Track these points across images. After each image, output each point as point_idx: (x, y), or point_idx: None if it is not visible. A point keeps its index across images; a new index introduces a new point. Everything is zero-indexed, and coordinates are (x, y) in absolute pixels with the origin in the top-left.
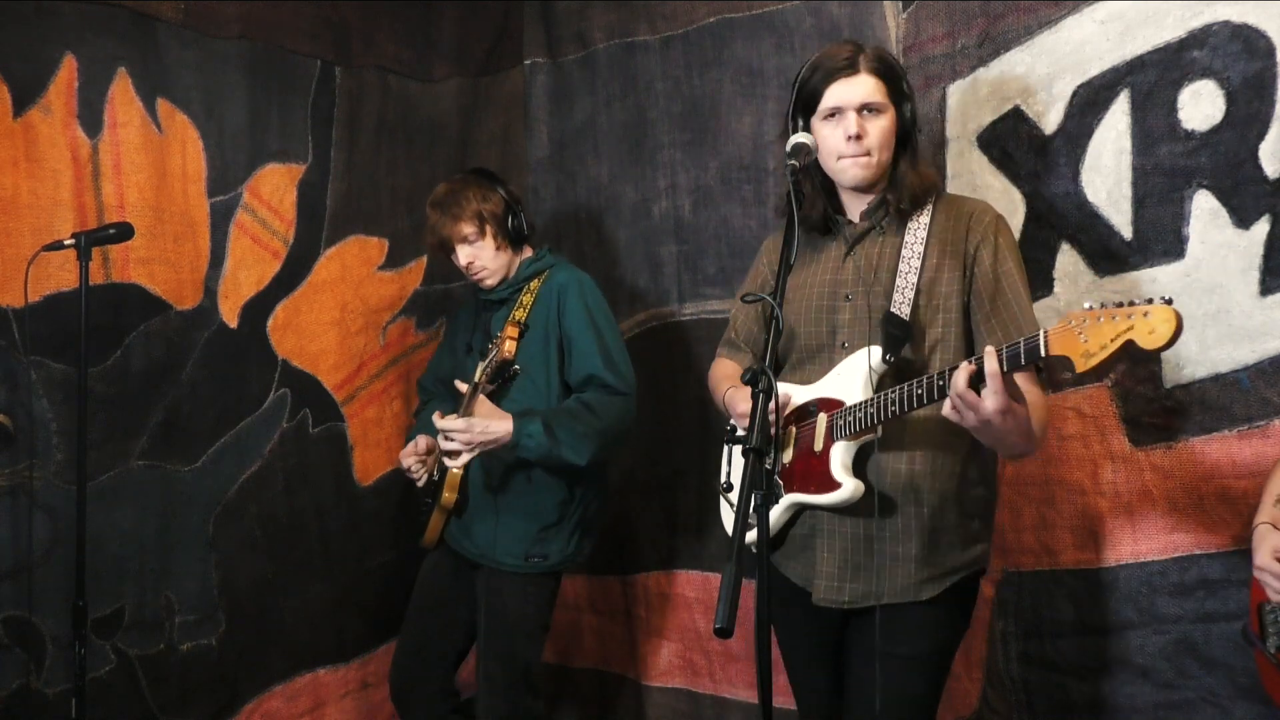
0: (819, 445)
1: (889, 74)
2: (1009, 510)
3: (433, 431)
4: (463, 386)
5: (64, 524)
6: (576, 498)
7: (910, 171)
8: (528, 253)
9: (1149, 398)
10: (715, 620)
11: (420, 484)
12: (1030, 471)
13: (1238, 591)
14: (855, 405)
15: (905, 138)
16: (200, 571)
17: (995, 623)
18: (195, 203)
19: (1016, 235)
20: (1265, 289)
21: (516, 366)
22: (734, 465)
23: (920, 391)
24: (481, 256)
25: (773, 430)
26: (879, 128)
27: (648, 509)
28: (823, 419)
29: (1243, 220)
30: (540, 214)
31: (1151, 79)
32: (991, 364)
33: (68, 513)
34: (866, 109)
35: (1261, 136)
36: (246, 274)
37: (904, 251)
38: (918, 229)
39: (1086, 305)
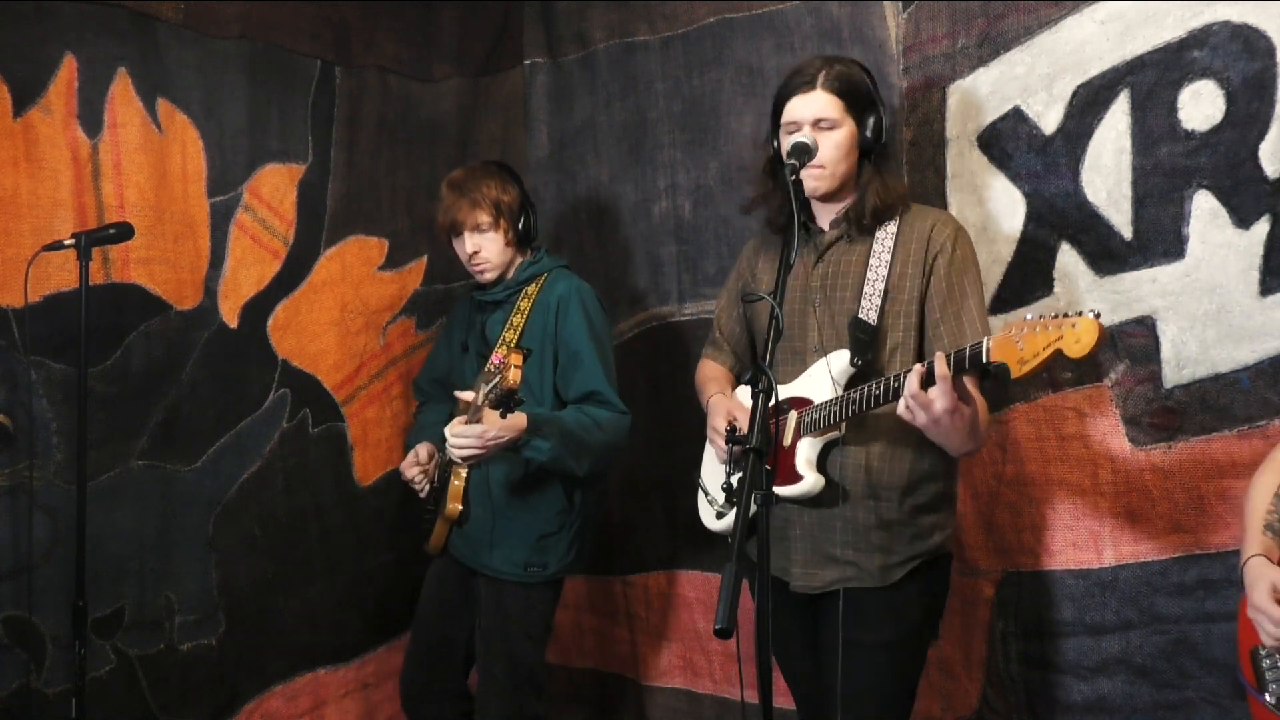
0: (787, 440)
1: (847, 90)
2: (1009, 510)
3: (430, 436)
4: (464, 396)
5: (64, 524)
6: (575, 507)
7: (872, 184)
8: (527, 255)
9: (1149, 398)
10: (715, 620)
11: (422, 494)
12: (1030, 471)
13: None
14: (821, 404)
15: (868, 150)
16: (200, 571)
17: (995, 623)
18: (195, 203)
19: (1016, 235)
20: (1265, 289)
21: (520, 396)
22: (708, 465)
23: (878, 392)
24: (488, 248)
25: (770, 429)
26: (832, 141)
27: (648, 509)
28: (793, 416)
29: (1243, 220)
30: (540, 214)
31: (1151, 79)
32: (941, 368)
33: (68, 513)
34: (820, 123)
35: (1261, 136)
36: (246, 274)
37: (871, 260)
38: (885, 238)
39: (1027, 316)
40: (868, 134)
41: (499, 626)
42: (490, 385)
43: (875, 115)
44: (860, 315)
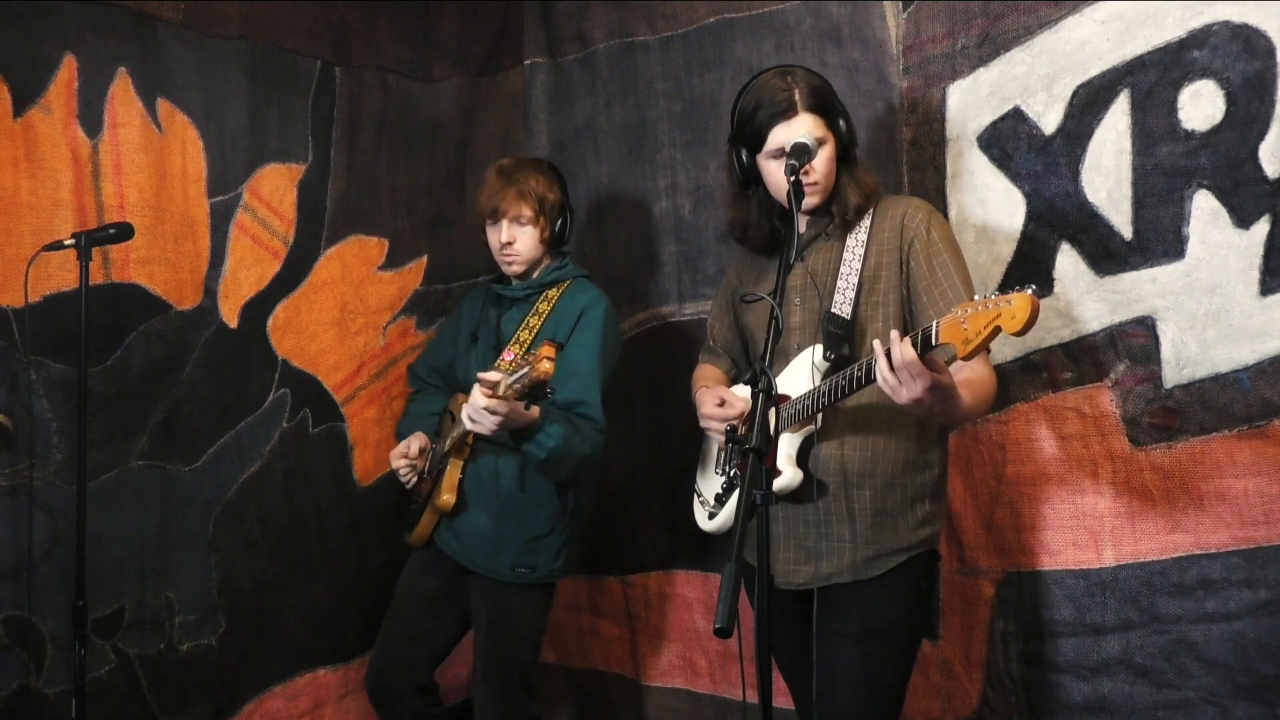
0: None
1: (823, 105)
2: (1009, 510)
3: (424, 426)
4: (489, 376)
5: (64, 524)
6: (568, 512)
7: (850, 186)
8: (554, 259)
9: (1149, 398)
10: (715, 620)
11: (409, 485)
12: (1030, 471)
13: (1238, 591)
14: (795, 399)
15: (845, 154)
16: (200, 571)
17: (995, 623)
18: (195, 203)
19: (1016, 235)
20: (1265, 289)
21: (552, 389)
22: (704, 468)
23: (844, 382)
24: (523, 240)
25: (769, 428)
26: (822, 159)
27: (648, 509)
28: (771, 414)
29: (1243, 220)
30: None
31: (1151, 79)
32: (908, 352)
33: (68, 513)
34: None
35: (1261, 136)
36: (246, 274)
37: (845, 254)
38: (859, 232)
39: (976, 298)
40: (844, 141)
41: (491, 627)
42: (517, 375)
43: (846, 120)
44: (834, 309)
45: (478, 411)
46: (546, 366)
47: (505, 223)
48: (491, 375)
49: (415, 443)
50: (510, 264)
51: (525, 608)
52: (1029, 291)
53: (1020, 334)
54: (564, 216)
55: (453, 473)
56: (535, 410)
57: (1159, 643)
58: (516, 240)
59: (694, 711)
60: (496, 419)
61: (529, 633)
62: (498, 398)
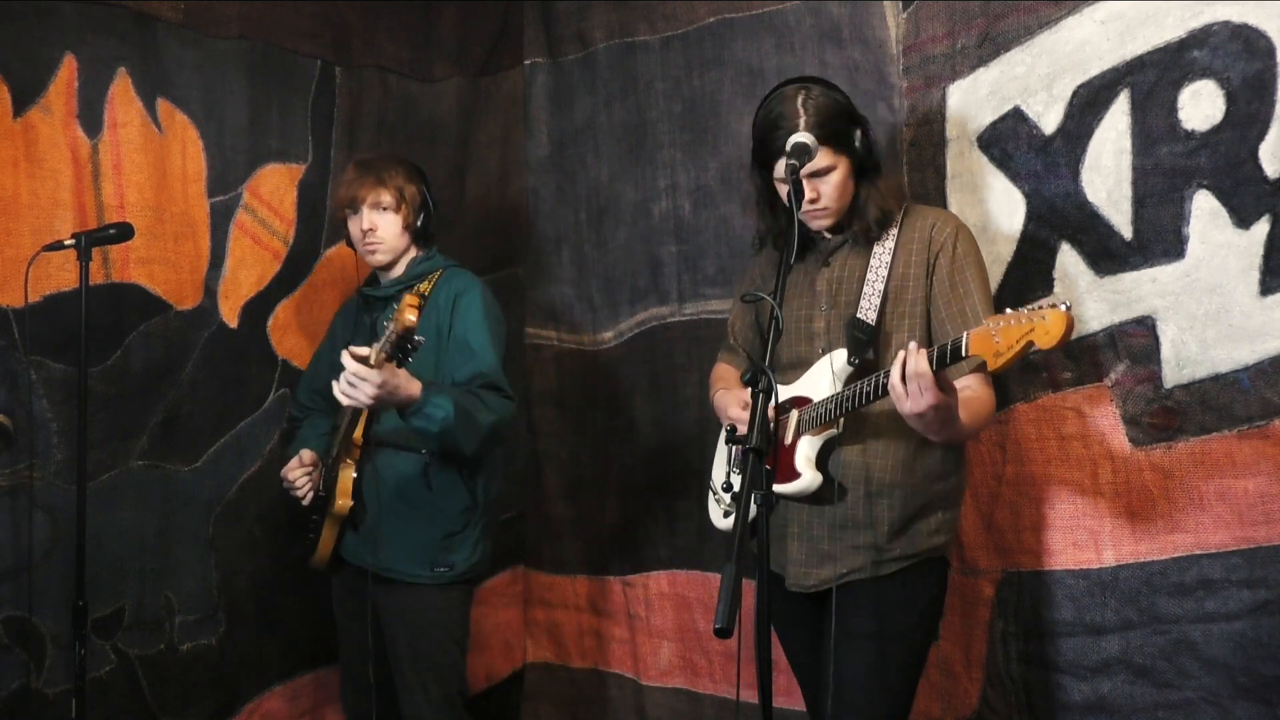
0: (788, 439)
1: (830, 128)
2: (1009, 510)
3: (313, 445)
4: (357, 350)
5: (64, 524)
6: (480, 504)
7: (871, 199)
8: (417, 253)
9: (1149, 398)
10: (715, 620)
11: (306, 501)
12: (1030, 471)
13: (1238, 591)
14: (818, 402)
15: (862, 171)
16: (200, 571)
17: (995, 623)
18: (195, 203)
19: (1016, 235)
20: (1265, 289)
21: (420, 338)
22: (719, 464)
23: (869, 389)
24: (384, 227)
25: (770, 429)
26: (831, 184)
27: (648, 509)
28: (793, 415)
29: (1243, 220)
30: (540, 214)
31: (1151, 79)
32: (922, 364)
33: (68, 513)
34: (815, 174)
35: (1261, 136)
36: (246, 274)
37: (872, 262)
38: (886, 240)
39: (1007, 310)
40: (860, 157)
41: (418, 634)
42: (384, 337)
43: (863, 134)
44: (859, 315)
45: (349, 381)
46: (410, 316)
47: (365, 210)
48: (361, 349)
49: (308, 454)
50: (373, 252)
51: (451, 609)
52: (1064, 308)
53: (1053, 350)
54: (426, 211)
55: (345, 476)
56: (416, 385)
57: (1159, 643)
58: (378, 227)
59: (694, 711)
60: (371, 387)
61: (458, 635)
62: (370, 367)
